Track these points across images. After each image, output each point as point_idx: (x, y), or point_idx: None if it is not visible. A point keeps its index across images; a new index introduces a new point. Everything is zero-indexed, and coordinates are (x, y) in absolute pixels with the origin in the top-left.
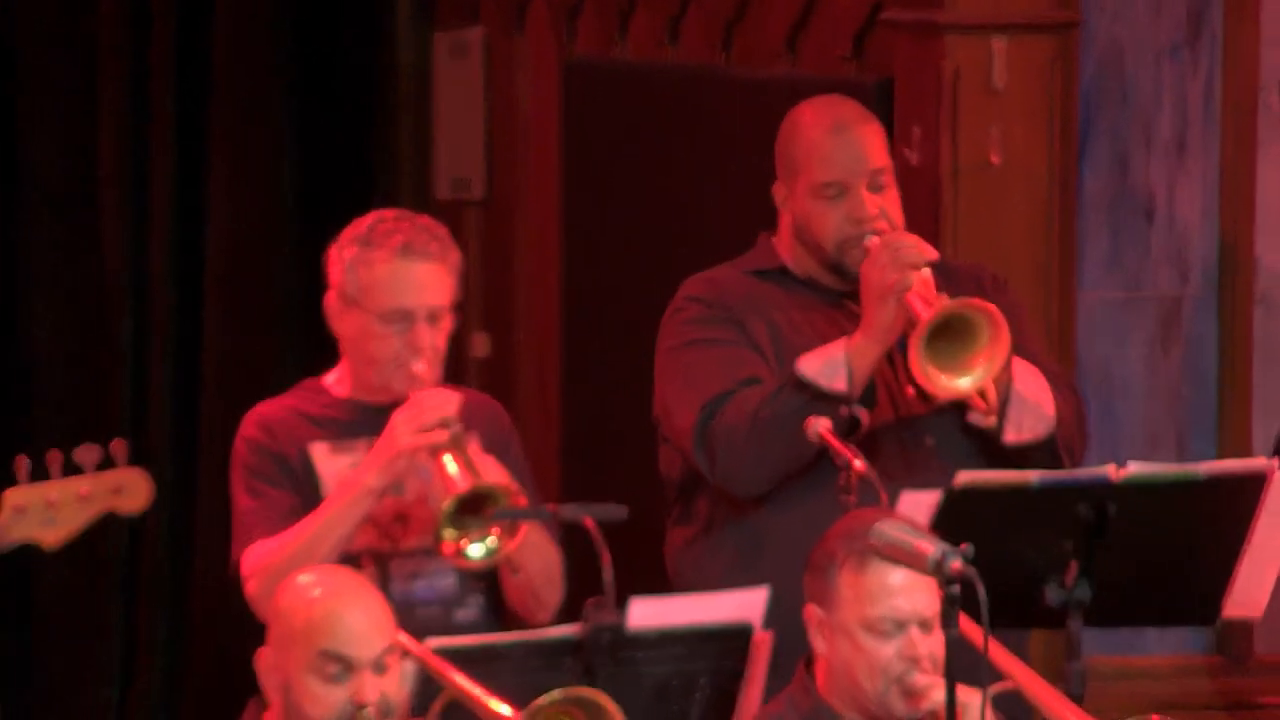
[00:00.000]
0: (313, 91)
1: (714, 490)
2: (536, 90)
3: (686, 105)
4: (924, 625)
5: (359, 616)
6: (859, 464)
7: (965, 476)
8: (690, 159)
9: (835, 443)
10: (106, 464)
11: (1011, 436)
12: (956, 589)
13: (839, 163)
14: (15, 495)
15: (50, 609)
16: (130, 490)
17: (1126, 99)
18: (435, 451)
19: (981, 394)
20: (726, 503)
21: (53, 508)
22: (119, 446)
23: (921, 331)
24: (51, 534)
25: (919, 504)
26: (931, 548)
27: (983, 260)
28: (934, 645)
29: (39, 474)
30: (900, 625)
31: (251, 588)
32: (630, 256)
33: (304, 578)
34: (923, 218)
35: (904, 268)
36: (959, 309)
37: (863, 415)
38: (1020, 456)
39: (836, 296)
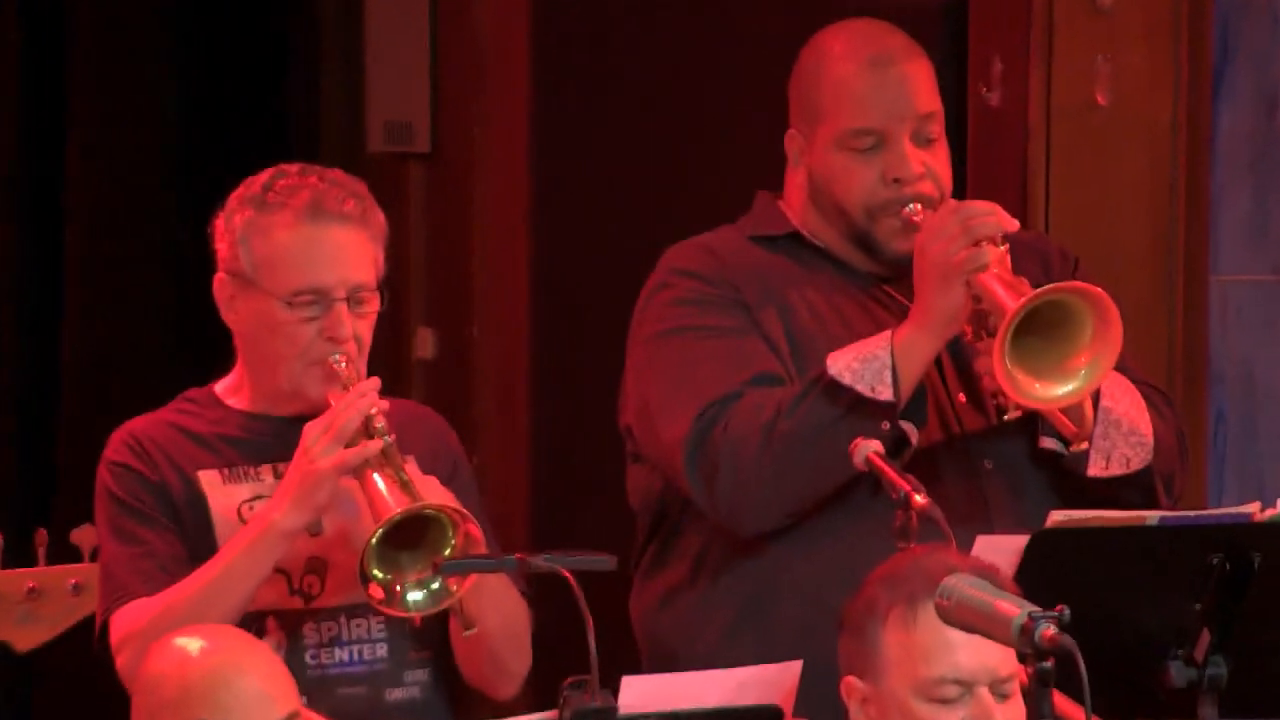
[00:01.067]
0: (202, 14)
1: (707, 525)
2: (498, 13)
3: (689, 34)
4: (998, 688)
5: (249, 682)
6: (921, 500)
7: (1060, 516)
8: (693, 103)
9: (890, 472)
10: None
11: (1098, 469)
12: (1050, 664)
13: (876, 106)
14: None
15: None
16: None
17: (1278, 18)
18: (362, 472)
19: (1068, 413)
20: (723, 542)
21: (33, 600)
22: (84, 536)
23: (1008, 326)
24: (26, 633)
25: (996, 551)
26: (1016, 610)
27: (1087, 234)
28: (1013, 718)
29: (19, 555)
30: (966, 687)
31: (124, 660)
32: (618, 228)
33: (179, 638)
34: (1005, 177)
35: (977, 240)
36: (1059, 295)
37: (911, 432)
38: (1105, 493)
39: (869, 279)
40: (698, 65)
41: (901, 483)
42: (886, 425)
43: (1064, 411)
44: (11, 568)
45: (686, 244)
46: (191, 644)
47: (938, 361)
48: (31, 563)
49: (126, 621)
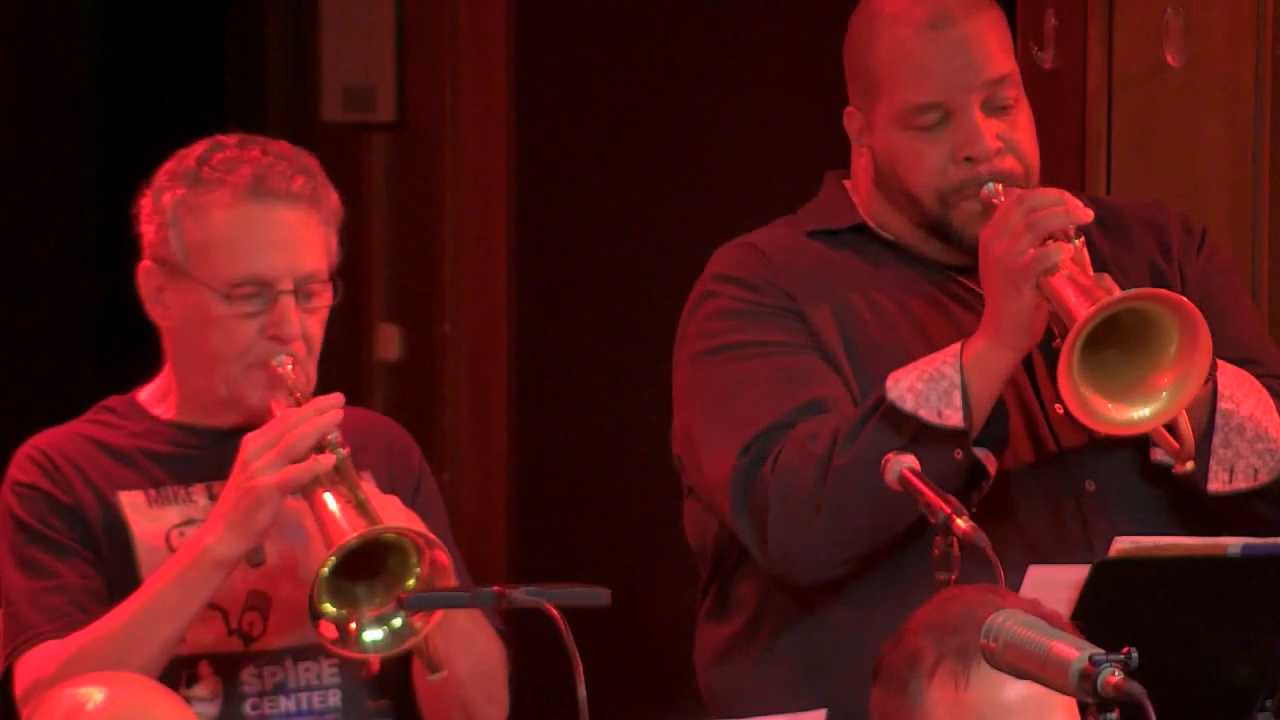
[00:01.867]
0: None
1: (763, 572)
2: None
3: None
4: None
5: None
6: (963, 524)
7: (1124, 544)
8: (691, 69)
9: (929, 492)
10: None
11: (1219, 484)
12: (1114, 716)
13: (939, 74)
14: None
15: None
16: None
17: None
18: (311, 491)
19: (1170, 427)
20: (782, 592)
21: None
22: None
23: (1076, 338)
24: None
25: (1053, 584)
26: (1076, 652)
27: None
28: None
29: None
30: None
31: (30, 715)
32: (609, 211)
33: (77, 687)
34: (1061, 150)
35: (1045, 236)
36: (1134, 302)
37: (988, 460)
38: (1233, 510)
39: (946, 272)
40: (693, 25)
41: (942, 504)
42: (959, 454)
43: (1168, 430)
44: None
45: (734, 244)
46: (91, 694)
47: (1030, 368)
48: None
49: (33, 667)
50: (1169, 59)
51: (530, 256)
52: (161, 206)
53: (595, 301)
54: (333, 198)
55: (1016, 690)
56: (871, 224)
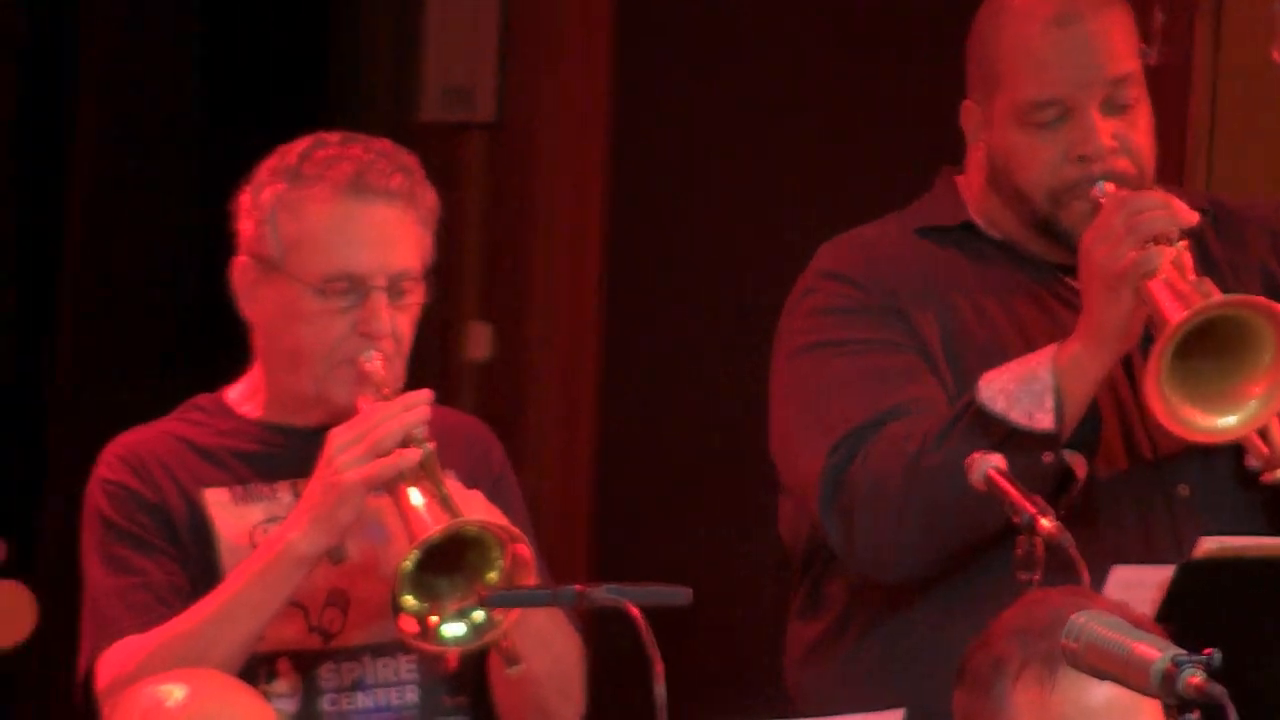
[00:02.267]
0: None
1: (852, 572)
2: None
3: None
4: None
5: None
6: (1047, 524)
7: (1210, 545)
8: (794, 71)
9: (1013, 492)
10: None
11: None
12: (1196, 717)
13: (1058, 72)
14: None
15: None
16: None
17: None
18: (395, 487)
19: (1263, 434)
20: (870, 591)
21: None
22: None
23: (1164, 345)
24: None
25: (1138, 585)
26: (1157, 654)
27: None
28: None
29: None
30: None
31: (112, 710)
32: (705, 214)
33: (157, 684)
34: (1162, 146)
35: (1146, 240)
36: (1228, 309)
37: (1078, 465)
38: None
39: (1053, 272)
40: (795, 24)
41: (1026, 504)
42: (1049, 457)
43: (1261, 437)
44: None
45: (840, 240)
46: (172, 691)
47: (1128, 370)
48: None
49: (116, 663)
50: (1276, 55)
51: (623, 258)
52: (260, 202)
53: (686, 304)
54: (430, 197)
55: (1102, 694)
56: (980, 222)
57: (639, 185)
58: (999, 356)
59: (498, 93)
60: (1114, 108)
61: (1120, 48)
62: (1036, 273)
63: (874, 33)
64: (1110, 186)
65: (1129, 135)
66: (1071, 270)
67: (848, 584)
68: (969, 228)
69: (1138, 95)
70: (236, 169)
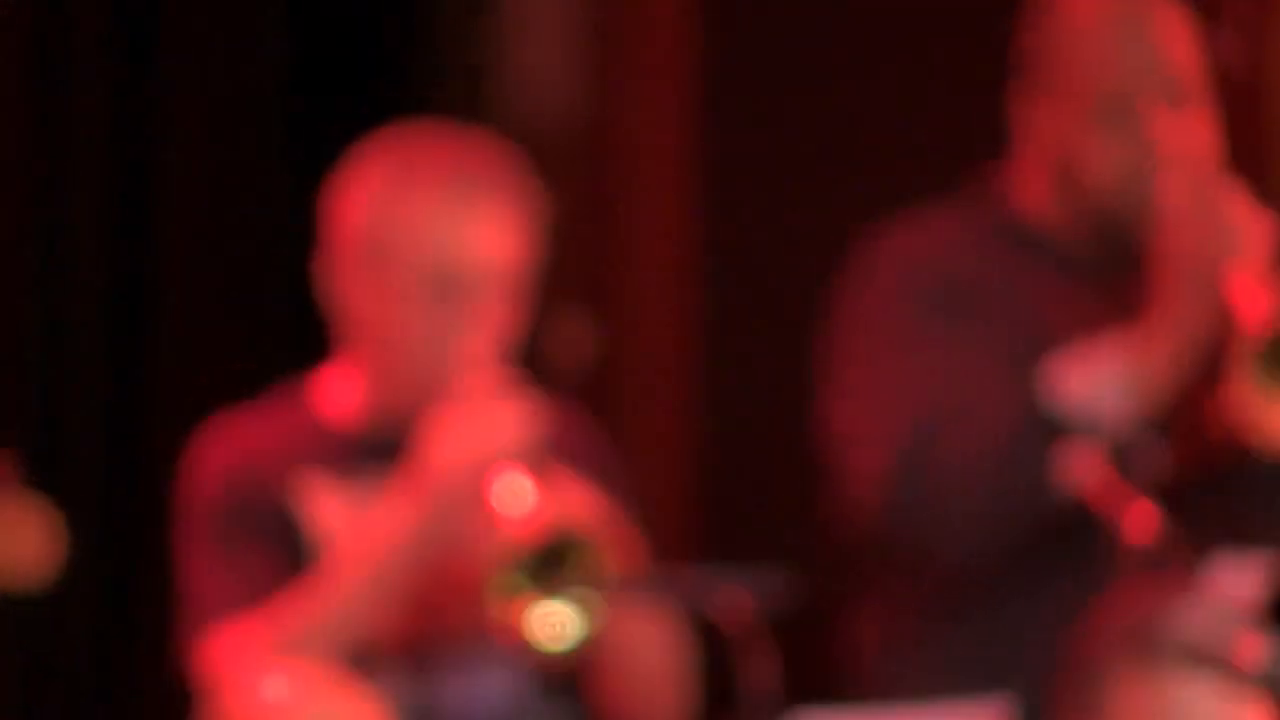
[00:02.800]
0: None
1: (920, 562)
2: None
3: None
4: None
5: None
6: (1143, 518)
7: None
8: (883, 74)
9: (1109, 491)
10: None
11: None
12: None
13: (1122, 68)
14: None
15: None
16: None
17: None
18: (500, 480)
19: None
20: (941, 584)
21: None
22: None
23: (1253, 346)
24: None
25: (1240, 578)
26: (1261, 649)
27: None
28: None
29: None
30: None
31: (213, 696)
32: (800, 210)
33: (262, 678)
34: (1236, 150)
35: (1233, 232)
36: None
37: (1148, 458)
38: None
39: (1106, 268)
40: (873, 36)
41: (1120, 500)
42: (1120, 449)
43: None
44: None
45: (896, 228)
46: (276, 688)
47: (1203, 363)
48: None
49: (217, 651)
50: None
51: (712, 257)
52: (364, 193)
53: (775, 302)
54: (534, 195)
55: (1206, 689)
56: (1038, 216)
57: (725, 185)
58: (1058, 348)
59: (586, 95)
60: (1176, 104)
61: (1182, 44)
62: (1090, 269)
63: (965, 32)
64: (1177, 181)
65: (1192, 132)
66: (1126, 267)
67: (910, 575)
68: (1021, 222)
69: (1200, 92)
70: (320, 168)
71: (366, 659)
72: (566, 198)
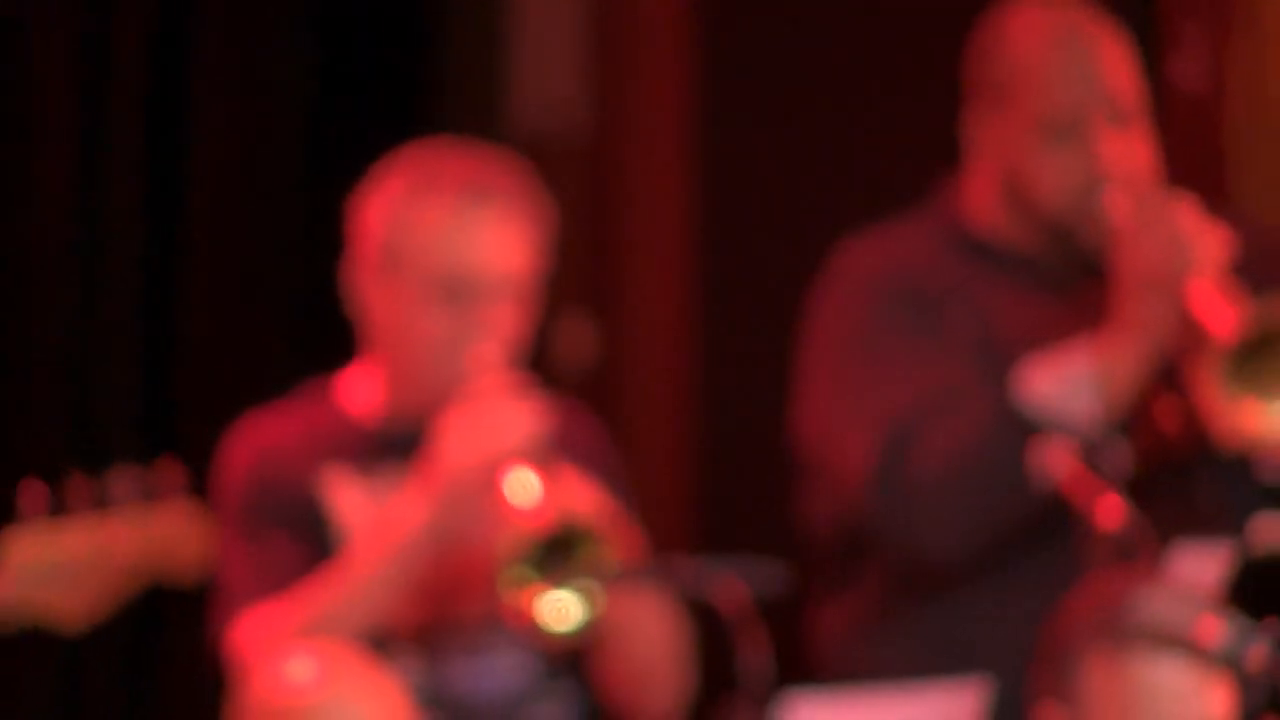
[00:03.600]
0: None
1: (890, 554)
2: None
3: (862, 7)
4: None
5: (365, 712)
6: (1106, 509)
7: (1268, 522)
8: (867, 81)
9: (1072, 479)
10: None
11: None
12: (1258, 690)
13: (1066, 89)
14: (22, 542)
15: None
16: (178, 538)
17: None
18: (508, 475)
19: None
20: (908, 572)
21: (75, 561)
22: (170, 470)
23: (1216, 351)
24: (70, 600)
25: (1200, 564)
26: (1219, 629)
27: None
28: None
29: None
30: None
31: (243, 675)
32: (790, 214)
33: (292, 659)
34: (1198, 173)
35: (1186, 250)
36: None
37: (1117, 454)
38: None
39: (1063, 277)
40: (871, 42)
41: (1090, 492)
42: (1088, 447)
43: None
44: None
45: (863, 238)
46: (304, 668)
47: (1162, 366)
48: None
49: (249, 631)
50: None
51: (708, 258)
52: (383, 204)
53: (768, 300)
54: (542, 207)
55: (1172, 670)
56: (993, 227)
57: (721, 188)
58: (1023, 354)
59: (586, 107)
60: (1118, 124)
61: (1123, 69)
62: (1048, 277)
63: (949, 48)
64: (1118, 199)
65: (1134, 152)
66: (1082, 276)
67: (884, 567)
68: (981, 233)
69: (1139, 114)
70: (339, 177)
71: (382, 642)
72: (569, 205)
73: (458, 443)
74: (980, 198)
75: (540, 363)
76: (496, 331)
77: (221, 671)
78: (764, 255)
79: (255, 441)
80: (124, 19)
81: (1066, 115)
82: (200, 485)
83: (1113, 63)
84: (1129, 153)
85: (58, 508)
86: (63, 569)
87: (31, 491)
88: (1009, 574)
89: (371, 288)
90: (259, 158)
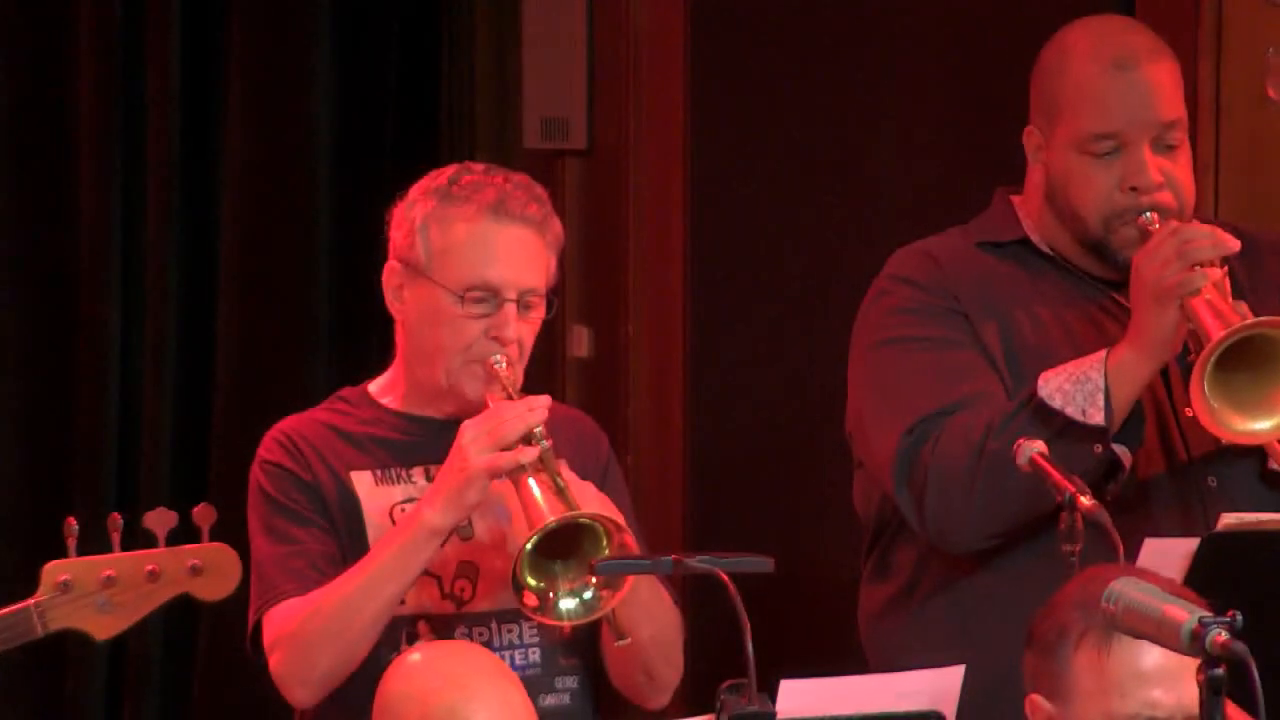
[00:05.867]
0: (355, 10)
1: (920, 540)
2: (654, 8)
3: (850, 24)
4: None
5: (491, 716)
6: (1086, 502)
7: (1231, 519)
8: (854, 96)
9: (1054, 473)
10: (182, 534)
11: None
12: (1221, 671)
13: (1118, 110)
14: (60, 569)
15: None
16: (212, 570)
17: None
18: (517, 476)
19: None
20: (936, 558)
21: (110, 588)
22: (203, 514)
23: (1208, 356)
24: (105, 622)
25: (1167, 555)
26: (1186, 615)
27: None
28: None
29: (94, 541)
30: None
31: (277, 661)
32: (776, 225)
33: (418, 657)
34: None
35: (1192, 264)
36: (1263, 328)
37: (1124, 456)
38: None
39: (1099, 286)
40: (860, 57)
41: (1066, 484)
42: (1099, 449)
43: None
44: (89, 554)
45: (909, 249)
46: (431, 669)
47: (1165, 375)
48: (110, 549)
49: (278, 623)
50: (1270, 93)
51: (704, 266)
52: (412, 215)
53: (761, 305)
54: (557, 226)
55: (1153, 659)
56: (1035, 238)
57: (715, 200)
58: (1051, 360)
59: (589, 123)
60: (1162, 147)
61: (1171, 94)
62: (1085, 287)
63: (943, 61)
64: (1155, 216)
65: (1174, 173)
66: (1116, 286)
67: (916, 551)
68: (1024, 243)
69: (1182, 139)
70: (363, 189)
71: (406, 628)
72: (575, 217)
73: (473, 446)
74: (1029, 206)
75: (547, 364)
76: (512, 341)
77: (257, 656)
78: (758, 273)
79: (288, 441)
80: (155, 52)
81: (1114, 134)
82: (232, 518)
83: (1165, 90)
84: (1170, 176)
85: (107, 543)
86: (93, 599)
87: (71, 528)
88: (1024, 572)
89: (402, 294)
90: (289, 186)
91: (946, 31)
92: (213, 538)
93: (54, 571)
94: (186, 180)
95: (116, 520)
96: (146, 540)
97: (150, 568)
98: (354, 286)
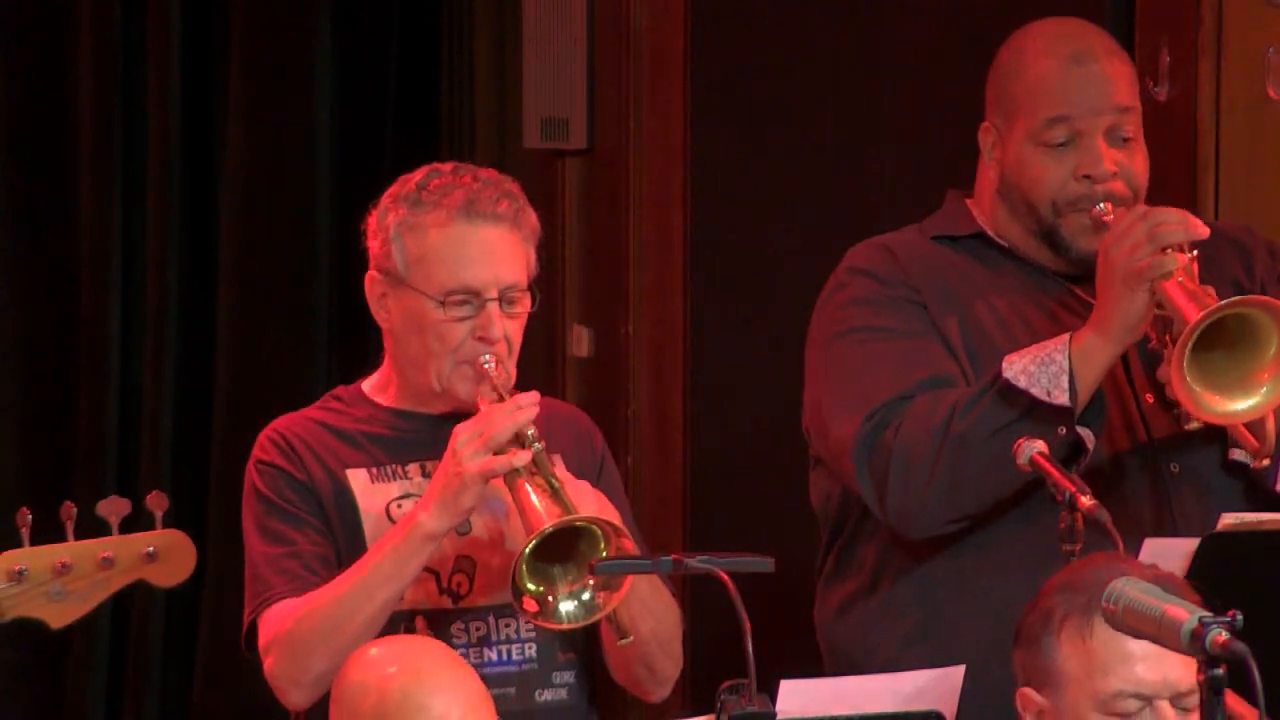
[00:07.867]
0: (355, 10)
1: (886, 534)
2: (654, 8)
3: (848, 25)
4: (1179, 702)
5: (447, 703)
6: (1086, 501)
7: (1231, 519)
8: (853, 96)
9: (1055, 472)
10: (136, 522)
11: None
12: (1222, 671)
13: (1074, 96)
14: (14, 559)
15: None
16: (167, 557)
17: None
18: (512, 480)
19: (1252, 426)
20: (900, 548)
21: (63, 576)
22: (156, 500)
23: (1188, 339)
24: (60, 610)
25: (1166, 554)
26: (1187, 614)
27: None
28: None
29: (46, 531)
30: (1146, 701)
31: (271, 662)
32: (776, 225)
33: (375, 649)
34: (1173, 174)
35: (1163, 247)
36: (1242, 308)
37: (1087, 438)
38: None
39: (1057, 280)
40: (857, 57)
41: (1067, 484)
42: (1063, 431)
43: (1246, 425)
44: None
45: (866, 243)
46: (390, 660)
47: (1125, 362)
48: (61, 538)
49: (272, 624)
50: (1270, 93)
51: (703, 266)
52: (385, 224)
53: (760, 304)
54: (532, 218)
55: (1138, 647)
56: (990, 232)
57: (714, 200)
58: (1009, 348)
59: (589, 123)
60: (1116, 139)
61: (1125, 87)
62: (1041, 280)
63: (943, 61)
64: (1109, 206)
65: (1128, 164)
66: (1071, 279)
67: (877, 546)
68: (980, 236)
69: (1135, 131)
70: (363, 191)
71: (404, 623)
72: (575, 217)
73: (466, 449)
74: (981, 204)
75: (547, 363)
76: (498, 339)
77: (252, 656)
78: (757, 271)
79: (283, 440)
80: (155, 51)
81: (1068, 118)
82: (234, 518)
83: (1118, 83)
84: (1122, 166)
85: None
86: (47, 588)
87: (25, 518)
88: (992, 557)
89: (384, 302)
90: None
91: (946, 32)
92: (215, 537)
93: (8, 561)
94: (186, 180)
95: (70, 509)
96: (100, 529)
97: (104, 555)
98: (354, 286)
